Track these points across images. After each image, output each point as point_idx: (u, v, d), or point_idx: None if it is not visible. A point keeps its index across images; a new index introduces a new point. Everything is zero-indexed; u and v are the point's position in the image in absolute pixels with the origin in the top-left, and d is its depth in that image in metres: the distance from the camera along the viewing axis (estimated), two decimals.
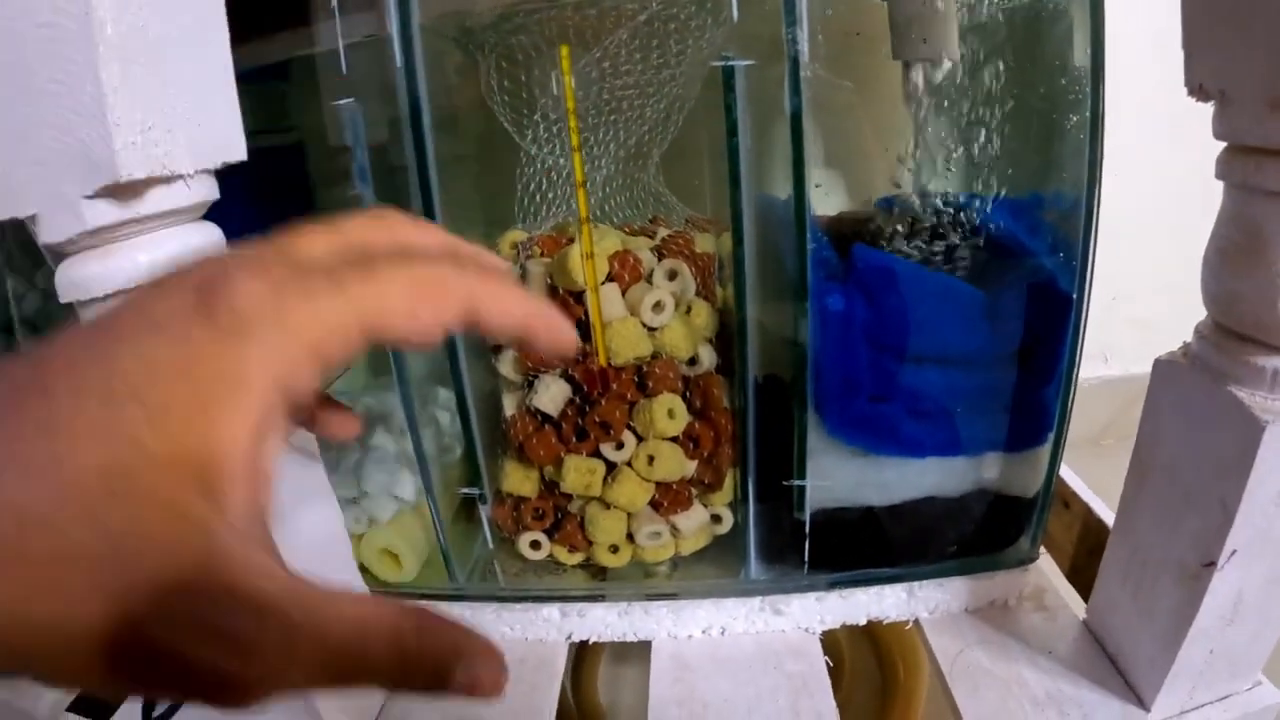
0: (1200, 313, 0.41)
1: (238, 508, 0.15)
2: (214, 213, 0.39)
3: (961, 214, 0.48)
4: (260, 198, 0.59)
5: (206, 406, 0.15)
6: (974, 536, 0.49)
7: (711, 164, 0.53)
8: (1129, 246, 0.75)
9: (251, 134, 0.61)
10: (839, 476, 0.44)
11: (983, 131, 0.49)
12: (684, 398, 0.43)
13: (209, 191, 0.37)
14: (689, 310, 0.43)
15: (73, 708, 0.54)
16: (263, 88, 0.61)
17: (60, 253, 0.36)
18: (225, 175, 0.48)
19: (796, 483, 0.43)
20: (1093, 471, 0.63)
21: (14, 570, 0.13)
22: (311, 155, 0.64)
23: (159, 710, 0.49)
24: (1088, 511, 0.63)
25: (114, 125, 0.32)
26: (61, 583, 0.13)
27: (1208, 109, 0.36)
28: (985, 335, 0.44)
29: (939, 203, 0.48)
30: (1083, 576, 0.57)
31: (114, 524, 0.13)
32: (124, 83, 0.32)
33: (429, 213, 0.41)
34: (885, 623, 0.50)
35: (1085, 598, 0.52)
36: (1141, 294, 0.93)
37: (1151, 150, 0.86)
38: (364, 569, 0.52)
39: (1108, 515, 0.61)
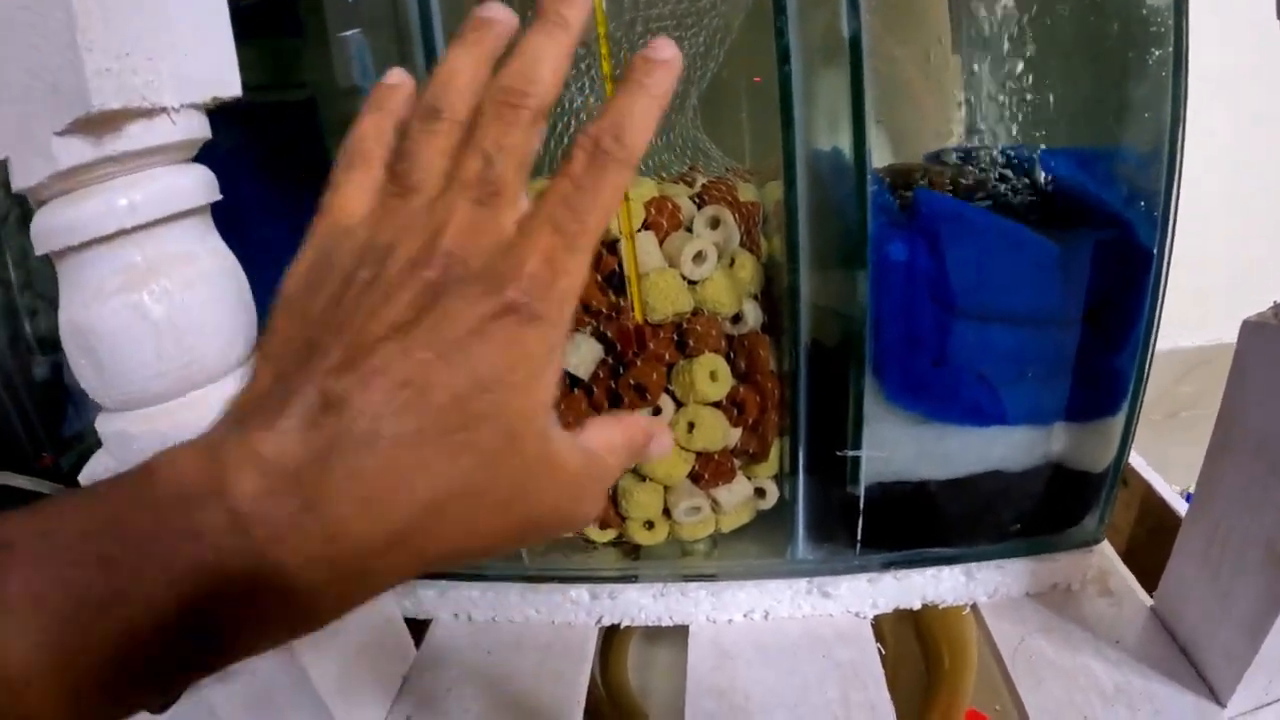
0: (1260, 286, 0.38)
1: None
2: (220, 168, 0.35)
3: (1023, 166, 0.43)
4: (272, 154, 0.56)
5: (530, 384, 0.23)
6: (1037, 515, 0.45)
7: (750, 117, 0.49)
8: (1184, 214, 0.72)
9: (264, 89, 0.58)
10: (897, 446, 0.40)
11: (1048, 75, 0.44)
12: (727, 358, 0.39)
13: (198, 129, 0.33)
14: (732, 263, 0.39)
15: None
16: (275, 44, 0.58)
17: (36, 201, 0.32)
18: (234, 131, 0.44)
19: (851, 453, 0.39)
20: (1141, 449, 0.59)
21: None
22: (324, 112, 0.60)
23: None
24: (1148, 489, 0.59)
25: (85, 50, 0.28)
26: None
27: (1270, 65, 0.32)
28: (1059, 292, 0.40)
29: (998, 155, 0.44)
30: (1141, 559, 0.53)
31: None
32: (98, 3, 0.28)
33: None
34: (940, 607, 0.46)
35: (1143, 582, 0.49)
36: (1196, 264, 0.89)
37: (1207, 110, 0.81)
38: None
39: (1169, 493, 0.58)
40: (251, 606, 0.20)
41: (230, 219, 0.35)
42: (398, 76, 0.28)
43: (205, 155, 0.34)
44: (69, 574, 0.19)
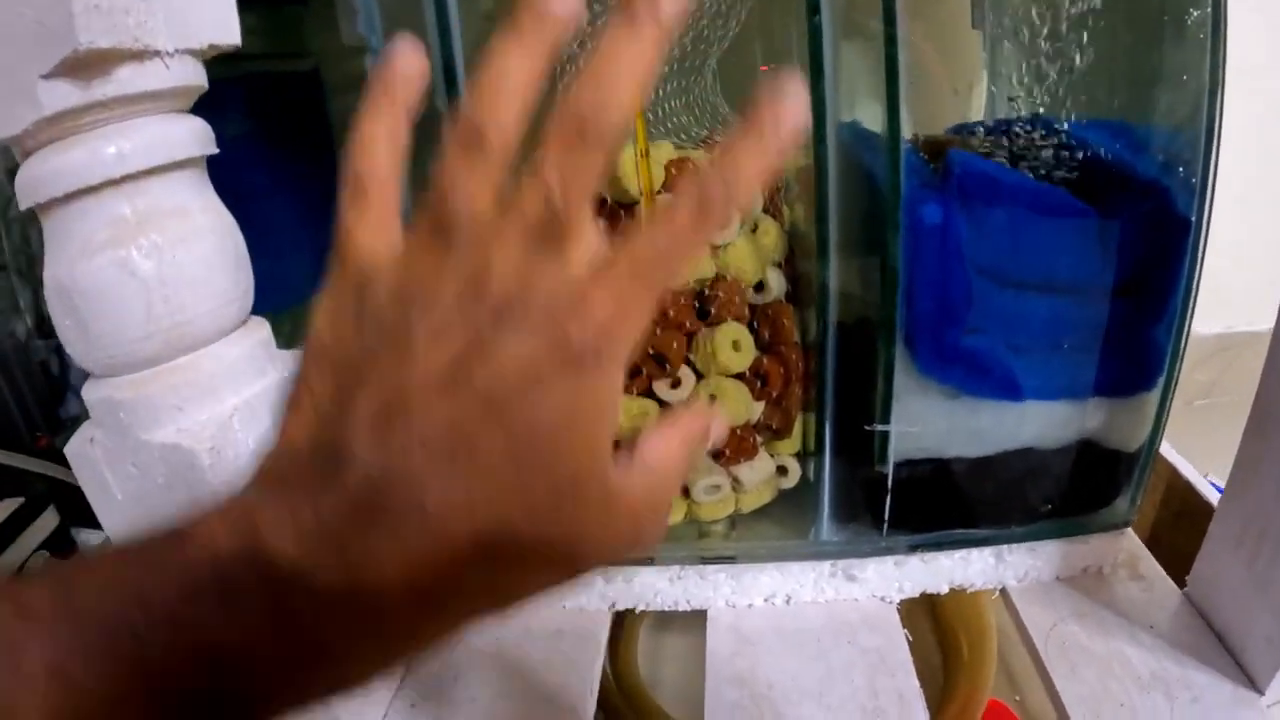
0: (1271, 274, 0.36)
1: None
2: (221, 140, 0.33)
3: (1053, 137, 0.42)
4: (277, 125, 0.54)
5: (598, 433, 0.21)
6: (1069, 495, 0.43)
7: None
8: None
9: (267, 57, 0.56)
10: (927, 422, 0.38)
11: (1078, 40, 0.42)
12: (750, 328, 0.37)
13: (193, 76, 0.31)
14: (755, 229, 0.37)
15: None
16: (277, 11, 0.56)
17: (23, 152, 0.31)
18: (238, 102, 0.42)
19: (880, 428, 0.37)
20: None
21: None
22: (329, 82, 0.59)
23: None
24: (1174, 473, 0.58)
25: None
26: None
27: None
28: (1096, 260, 0.38)
29: (1026, 126, 0.42)
30: (1165, 545, 0.52)
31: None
32: None
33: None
34: (967, 592, 0.44)
35: (1169, 568, 0.47)
36: (1212, 249, 0.88)
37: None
38: None
39: (1196, 477, 0.56)
40: (286, 678, 0.20)
41: (233, 189, 0.34)
42: (407, 56, 0.24)
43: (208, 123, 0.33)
44: (92, 645, 0.18)
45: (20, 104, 0.28)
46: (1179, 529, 0.54)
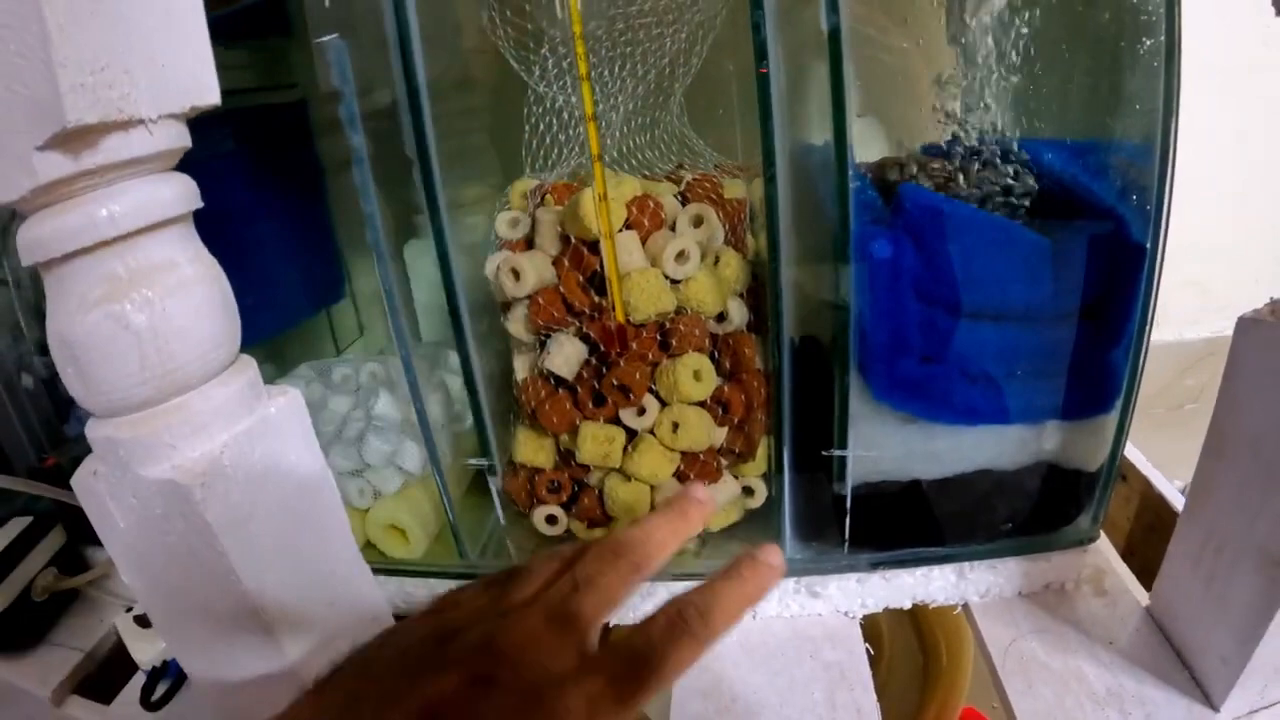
0: (1260, 278, 0.37)
1: None
2: (213, 170, 0.35)
3: (1015, 160, 0.43)
4: (264, 155, 0.56)
5: None
6: (1030, 514, 0.44)
7: (741, 109, 0.48)
8: (1184, 203, 0.71)
9: (255, 91, 0.58)
10: (884, 446, 0.40)
11: (1040, 66, 0.43)
12: (712, 358, 0.39)
13: (176, 139, 0.33)
14: (717, 261, 0.39)
15: (78, 690, 0.53)
16: (264, 44, 0.58)
17: (23, 214, 0.33)
18: (226, 133, 0.43)
19: (837, 453, 0.39)
20: (1144, 443, 0.58)
21: None
22: (315, 112, 0.61)
23: (157, 694, 0.47)
24: (1147, 485, 0.58)
25: (59, 66, 0.28)
26: None
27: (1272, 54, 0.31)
28: (1048, 288, 0.39)
29: (990, 148, 0.43)
30: (1139, 557, 0.52)
31: None
32: (71, 19, 0.29)
33: (424, 157, 0.37)
34: (930, 607, 0.46)
35: (1142, 579, 0.48)
36: (1197, 254, 0.88)
37: (1207, 101, 0.80)
38: (371, 546, 0.49)
39: (1169, 490, 0.57)
40: None
41: (222, 219, 0.36)
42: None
43: (199, 154, 0.34)
44: None
45: (17, 173, 0.30)
46: (1151, 542, 0.55)
